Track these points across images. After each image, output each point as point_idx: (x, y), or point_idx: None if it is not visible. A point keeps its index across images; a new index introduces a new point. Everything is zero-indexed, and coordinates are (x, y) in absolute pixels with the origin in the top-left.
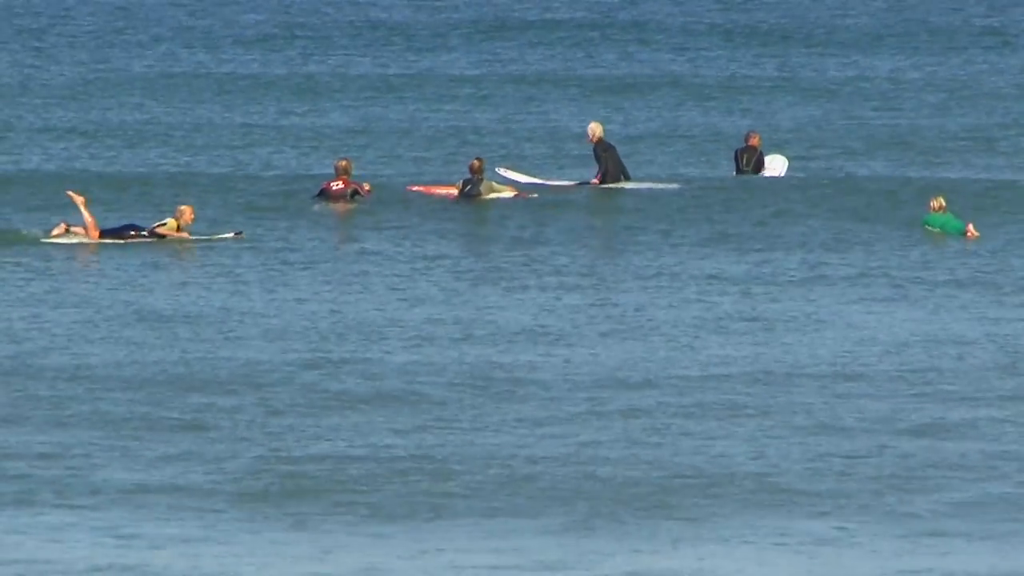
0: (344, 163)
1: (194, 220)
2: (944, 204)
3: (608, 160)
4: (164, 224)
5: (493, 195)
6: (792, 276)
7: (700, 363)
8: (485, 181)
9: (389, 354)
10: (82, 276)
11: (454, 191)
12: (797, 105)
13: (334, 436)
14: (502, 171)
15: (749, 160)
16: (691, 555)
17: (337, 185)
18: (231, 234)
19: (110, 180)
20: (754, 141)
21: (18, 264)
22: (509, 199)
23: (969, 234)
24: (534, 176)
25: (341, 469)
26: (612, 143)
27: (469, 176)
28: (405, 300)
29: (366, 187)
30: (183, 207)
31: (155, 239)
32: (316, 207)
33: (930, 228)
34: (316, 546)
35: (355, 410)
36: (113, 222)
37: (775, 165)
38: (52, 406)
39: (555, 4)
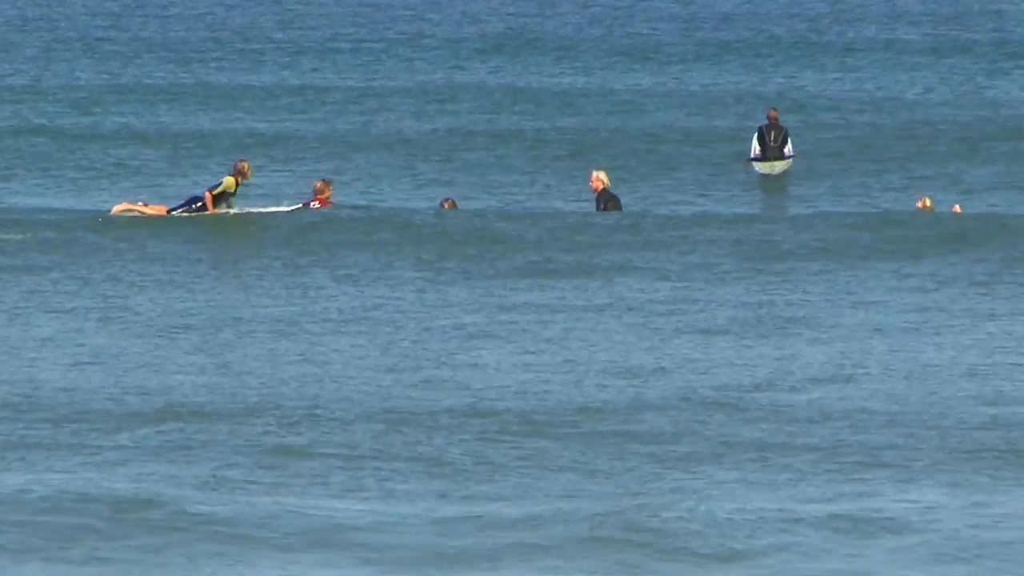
0: (319, 184)
1: (252, 175)
2: (930, 204)
3: (610, 208)
4: (220, 184)
5: None
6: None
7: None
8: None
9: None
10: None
11: None
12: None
13: None
14: None
15: (777, 136)
16: None
17: (315, 205)
18: (298, 205)
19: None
20: (776, 117)
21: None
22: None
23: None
24: None
25: None
26: (615, 193)
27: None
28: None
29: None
30: (241, 162)
31: (215, 209)
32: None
33: None
34: None
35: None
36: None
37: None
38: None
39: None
